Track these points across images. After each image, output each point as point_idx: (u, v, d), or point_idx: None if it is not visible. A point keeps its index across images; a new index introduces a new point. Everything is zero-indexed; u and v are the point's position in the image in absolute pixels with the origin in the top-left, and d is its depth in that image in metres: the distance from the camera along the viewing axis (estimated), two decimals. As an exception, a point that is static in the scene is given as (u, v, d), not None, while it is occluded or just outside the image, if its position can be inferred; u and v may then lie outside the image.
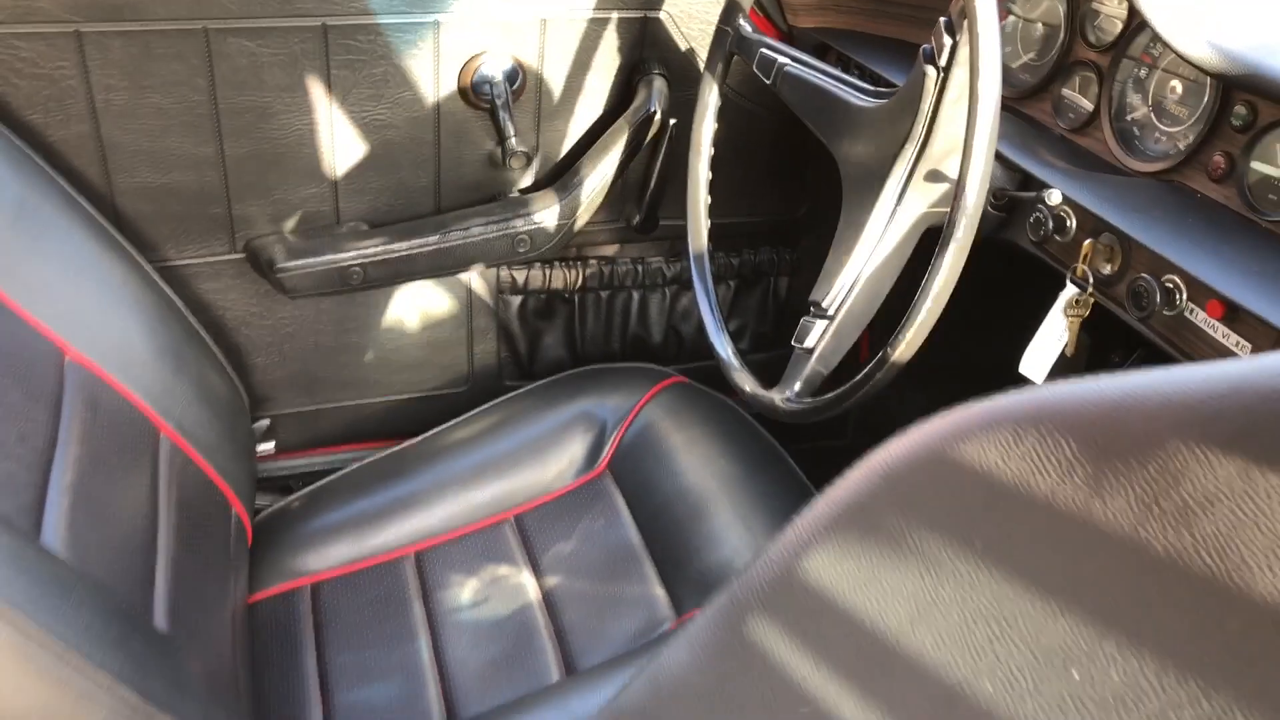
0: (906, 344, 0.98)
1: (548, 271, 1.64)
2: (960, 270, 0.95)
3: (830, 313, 1.12)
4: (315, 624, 1.28)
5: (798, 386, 1.14)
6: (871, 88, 1.15)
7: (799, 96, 1.21)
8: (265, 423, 1.55)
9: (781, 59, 1.23)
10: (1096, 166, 1.15)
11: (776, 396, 1.15)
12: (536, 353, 1.70)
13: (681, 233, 1.68)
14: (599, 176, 1.52)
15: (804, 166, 1.71)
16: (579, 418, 1.45)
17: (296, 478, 1.58)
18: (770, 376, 1.21)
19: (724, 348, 1.29)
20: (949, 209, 1.10)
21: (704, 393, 1.48)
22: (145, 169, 1.33)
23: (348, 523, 1.37)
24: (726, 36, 1.30)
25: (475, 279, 1.59)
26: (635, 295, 1.71)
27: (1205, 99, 1.05)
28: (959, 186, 0.93)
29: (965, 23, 0.95)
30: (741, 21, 1.29)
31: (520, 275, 1.62)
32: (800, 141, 1.65)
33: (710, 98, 1.33)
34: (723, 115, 1.35)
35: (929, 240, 1.11)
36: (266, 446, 1.55)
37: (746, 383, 1.22)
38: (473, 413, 1.49)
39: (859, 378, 1.03)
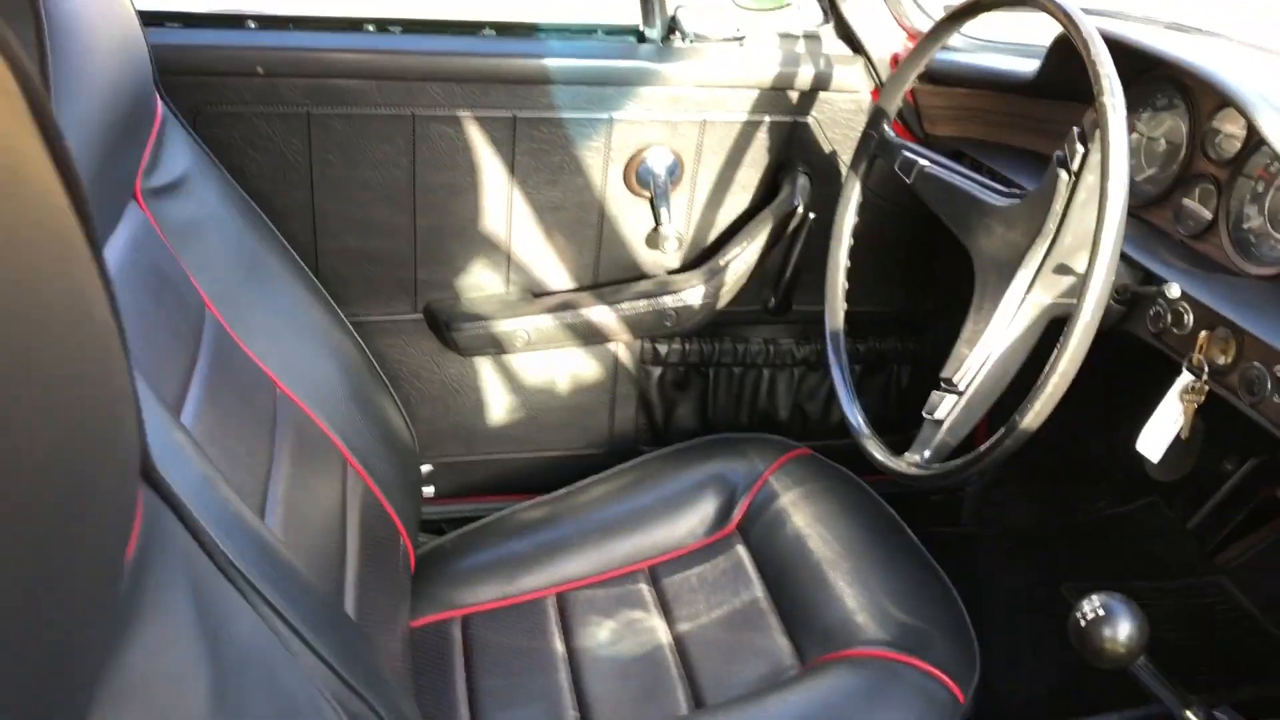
0: (1034, 414, 1.09)
1: (687, 346, 1.77)
2: (1086, 350, 1.05)
3: (961, 388, 1.23)
4: (466, 651, 1.41)
5: (927, 454, 1.24)
6: (1004, 188, 1.27)
7: (936, 194, 1.34)
8: (427, 468, 1.70)
9: (922, 161, 1.37)
10: (1213, 269, 1.24)
11: (905, 462, 1.26)
12: (671, 420, 1.84)
13: (813, 318, 1.81)
14: (742, 263, 1.66)
15: (932, 263, 1.83)
16: (711, 480, 1.57)
17: (449, 522, 1.72)
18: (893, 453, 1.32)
19: (856, 417, 1.40)
20: (1074, 299, 1.22)
21: (828, 465, 1.59)
22: (348, 234, 1.52)
23: (497, 564, 1.50)
24: (871, 140, 1.45)
25: (622, 349, 1.73)
26: (766, 373, 1.84)
27: (1317, 211, 1.15)
28: (1088, 275, 1.04)
29: (1097, 132, 1.08)
30: (885, 127, 1.43)
31: (663, 348, 1.76)
32: (929, 240, 1.77)
33: (853, 194, 1.47)
34: (861, 211, 1.49)
35: (1052, 331, 1.22)
36: (426, 490, 1.70)
37: (877, 450, 1.33)
38: (612, 470, 1.62)
39: (987, 445, 1.14)
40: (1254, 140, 1.24)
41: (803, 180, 1.64)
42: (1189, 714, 1.05)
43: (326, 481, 1.23)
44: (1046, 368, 1.07)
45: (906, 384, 1.92)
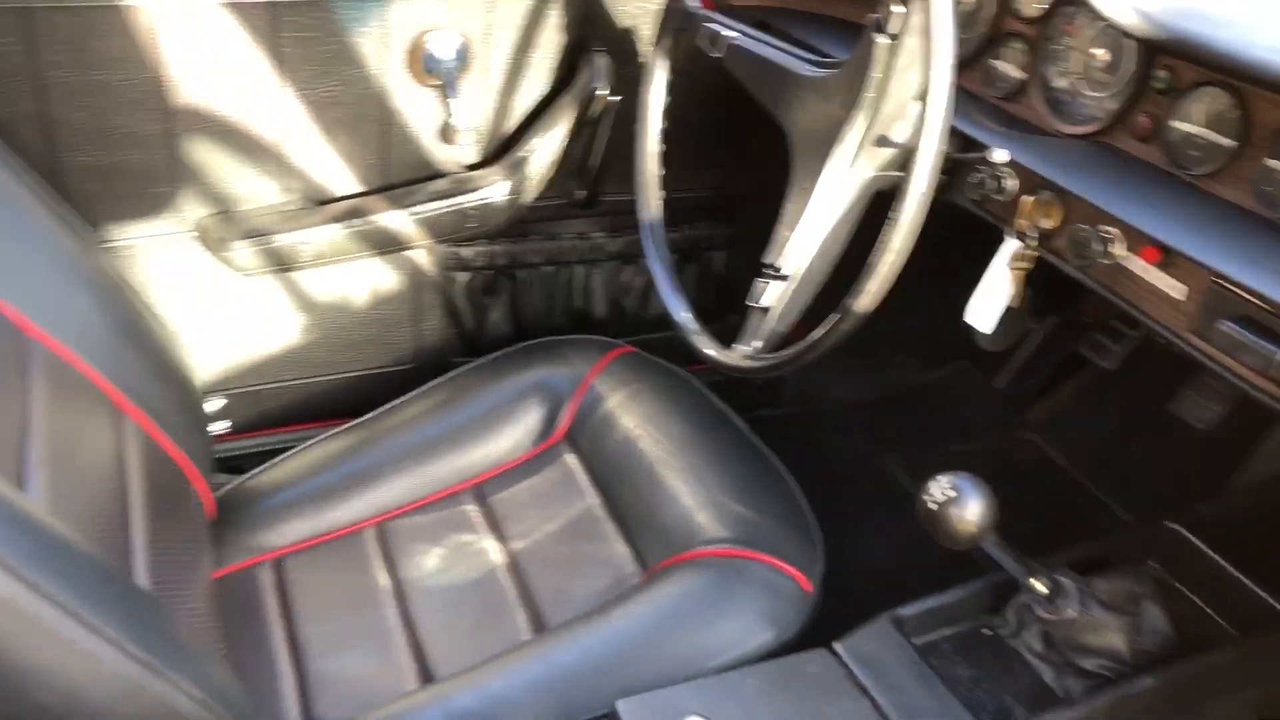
0: (870, 294, 1.04)
1: (493, 248, 1.66)
2: (920, 223, 1.00)
3: (785, 273, 1.17)
4: (281, 598, 1.29)
5: (757, 344, 1.19)
6: (818, 58, 1.20)
7: (747, 68, 1.26)
8: (217, 403, 1.55)
9: (729, 32, 1.28)
10: (1029, 131, 1.22)
11: (737, 354, 1.20)
12: (482, 329, 1.73)
13: (624, 208, 1.72)
14: (545, 153, 1.55)
15: (741, 143, 1.76)
16: (533, 388, 1.48)
17: (249, 457, 1.57)
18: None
19: (681, 313, 1.33)
20: (897, 171, 1.17)
21: (653, 361, 1.52)
22: (93, 147, 1.32)
23: (306, 498, 1.38)
24: (674, 12, 1.35)
25: (422, 256, 1.60)
26: (579, 270, 1.75)
27: (1129, 65, 1.13)
28: (921, 142, 0.98)
29: (917, -10, 1.01)
30: (689, -1, 1.33)
31: (466, 252, 1.64)
32: (737, 119, 1.70)
33: (659, 72, 1.38)
34: (670, 90, 1.39)
35: (874, 206, 1.17)
36: (220, 425, 1.54)
37: (707, 345, 1.27)
38: (426, 387, 1.51)
39: (823, 330, 1.09)
40: (1063, -6, 1.20)
41: (602, 61, 1.53)
42: (1034, 581, 1.05)
43: (96, 431, 1.08)
44: (878, 244, 1.02)
45: (722, 270, 1.86)
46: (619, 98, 1.55)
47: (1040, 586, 1.05)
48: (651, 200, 1.40)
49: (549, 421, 1.47)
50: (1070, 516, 1.79)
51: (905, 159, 1.17)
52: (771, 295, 1.17)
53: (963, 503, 0.97)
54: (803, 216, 1.16)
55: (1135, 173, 1.09)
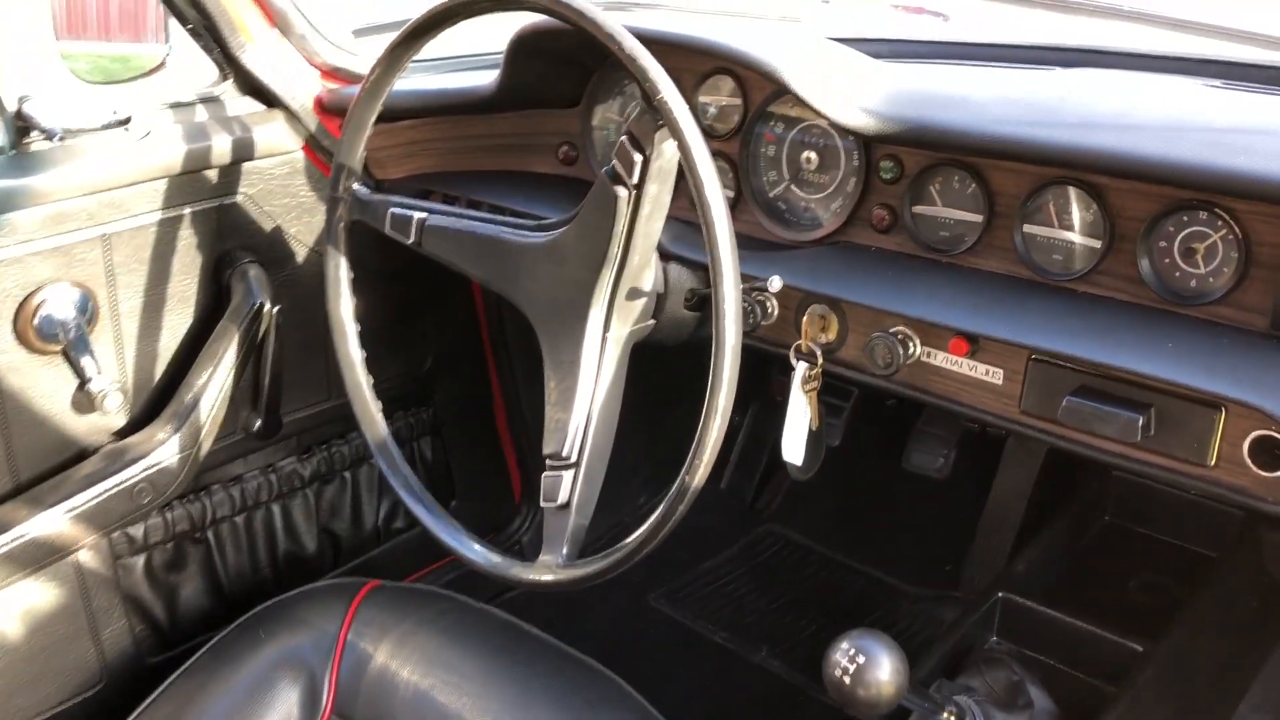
0: (703, 465, 0.93)
1: (168, 515, 1.38)
2: (737, 377, 0.91)
3: (573, 460, 1.03)
4: None
5: (566, 549, 1.03)
6: (533, 222, 1.09)
7: (452, 247, 1.12)
8: None
9: (419, 214, 1.13)
10: (759, 247, 1.17)
11: (550, 567, 1.04)
12: (177, 612, 1.42)
13: (309, 425, 1.51)
14: (213, 390, 1.31)
15: (421, 323, 1.61)
16: (274, 669, 1.22)
17: None
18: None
19: (470, 545, 1.14)
20: (650, 320, 1.07)
21: (408, 589, 1.31)
22: None
23: None
24: (341, 204, 1.18)
25: (84, 555, 1.29)
26: (275, 509, 1.49)
27: (848, 161, 1.11)
28: (718, 293, 0.89)
29: (654, 136, 0.92)
30: (356, 185, 1.17)
31: (137, 531, 1.35)
32: (412, 299, 1.55)
33: (340, 273, 1.19)
34: (356, 288, 1.22)
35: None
36: None
37: (514, 569, 1.09)
38: (138, 711, 1.20)
39: (658, 515, 0.96)
40: (754, 106, 1.17)
41: (254, 271, 1.32)
42: (945, 716, 0.97)
43: None
44: (704, 414, 0.91)
45: (432, 457, 1.68)
46: (280, 306, 1.34)
47: (950, 718, 0.98)
48: (375, 417, 1.21)
49: (309, 703, 1.21)
50: (844, 599, 1.77)
51: (657, 306, 1.09)
52: (566, 488, 1.03)
53: (875, 665, 0.87)
54: (575, 393, 1.03)
55: (890, 266, 1.07)
